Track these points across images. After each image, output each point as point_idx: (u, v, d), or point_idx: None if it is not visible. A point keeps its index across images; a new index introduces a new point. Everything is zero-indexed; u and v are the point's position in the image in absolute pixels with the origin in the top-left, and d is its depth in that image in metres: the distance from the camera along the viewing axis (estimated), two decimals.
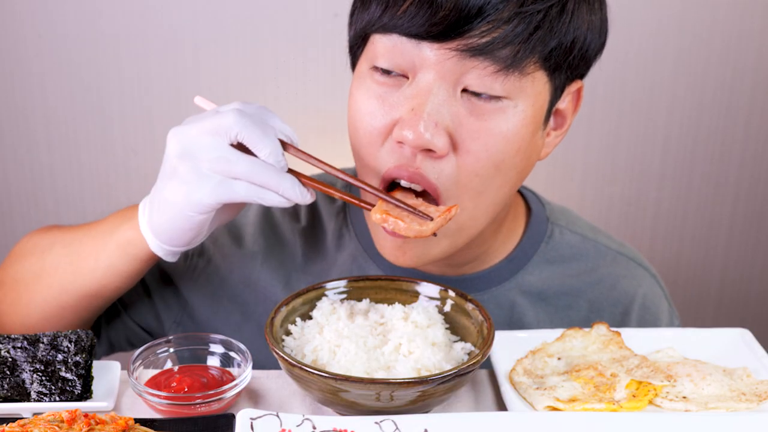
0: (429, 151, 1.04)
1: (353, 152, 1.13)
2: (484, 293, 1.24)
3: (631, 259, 1.31)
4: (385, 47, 1.04)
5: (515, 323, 1.24)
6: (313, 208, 1.29)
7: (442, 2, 0.99)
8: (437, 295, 1.12)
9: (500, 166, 1.08)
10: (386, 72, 1.06)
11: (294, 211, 1.29)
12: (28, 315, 1.17)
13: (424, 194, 1.08)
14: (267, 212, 1.28)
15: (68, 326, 1.18)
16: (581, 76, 1.14)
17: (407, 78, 1.05)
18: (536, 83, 1.06)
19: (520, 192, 1.31)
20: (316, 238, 1.27)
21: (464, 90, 1.04)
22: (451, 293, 1.11)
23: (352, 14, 1.11)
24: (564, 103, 1.14)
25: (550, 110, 1.12)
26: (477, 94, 1.04)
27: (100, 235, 1.13)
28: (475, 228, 1.12)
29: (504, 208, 1.18)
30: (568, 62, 1.09)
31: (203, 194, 1.01)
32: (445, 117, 1.03)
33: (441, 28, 1.00)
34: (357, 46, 1.12)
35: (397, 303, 1.11)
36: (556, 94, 1.11)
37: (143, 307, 1.28)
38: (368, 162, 1.09)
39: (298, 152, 1.03)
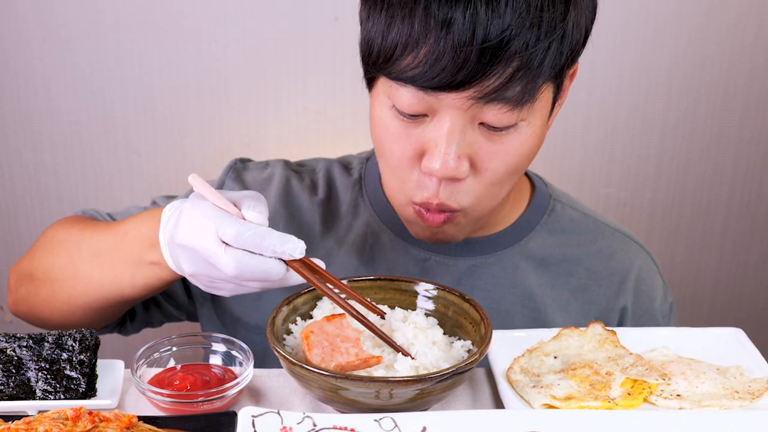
0: (452, 178, 1.10)
1: (380, 164, 1.18)
2: (490, 256, 1.30)
3: (628, 237, 1.37)
4: (402, 97, 1.08)
5: (519, 285, 1.30)
6: (330, 182, 1.36)
7: (456, 55, 1.01)
8: (436, 295, 1.13)
9: (515, 172, 1.14)
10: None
11: (312, 184, 1.36)
12: (71, 313, 1.24)
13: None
14: (287, 187, 1.35)
15: (110, 317, 1.27)
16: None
17: (427, 116, 1.09)
18: (544, 95, 1.09)
19: None
20: (333, 208, 1.34)
21: (481, 123, 1.08)
22: (450, 293, 1.12)
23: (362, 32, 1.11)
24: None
25: (554, 102, 1.14)
26: (494, 128, 1.08)
27: (130, 257, 1.16)
28: (493, 209, 1.20)
29: None
30: (572, 64, 1.11)
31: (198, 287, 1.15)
32: (465, 147, 1.09)
33: (457, 81, 1.03)
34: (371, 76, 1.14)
35: (396, 303, 1.12)
36: (559, 89, 1.13)
37: (175, 284, 1.35)
38: (395, 183, 1.16)
39: (301, 266, 1.06)
